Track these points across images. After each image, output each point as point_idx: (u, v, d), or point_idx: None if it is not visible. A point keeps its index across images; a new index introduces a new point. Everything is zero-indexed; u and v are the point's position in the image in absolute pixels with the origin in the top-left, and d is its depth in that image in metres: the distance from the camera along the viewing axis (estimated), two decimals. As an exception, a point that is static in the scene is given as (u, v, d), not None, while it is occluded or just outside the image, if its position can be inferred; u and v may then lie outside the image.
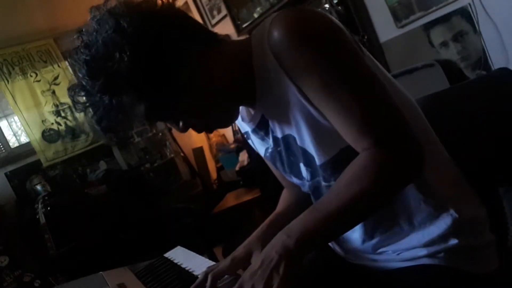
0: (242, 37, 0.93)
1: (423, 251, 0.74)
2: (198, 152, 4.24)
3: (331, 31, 0.67)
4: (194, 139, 4.42)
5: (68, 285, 1.18)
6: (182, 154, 3.99)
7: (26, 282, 2.81)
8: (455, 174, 0.79)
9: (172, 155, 4.08)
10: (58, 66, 3.81)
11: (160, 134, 4.12)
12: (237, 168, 3.37)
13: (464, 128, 0.82)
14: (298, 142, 0.75)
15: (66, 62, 3.89)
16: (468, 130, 0.85)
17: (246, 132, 0.91)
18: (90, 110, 0.71)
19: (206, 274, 0.76)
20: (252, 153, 2.71)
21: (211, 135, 4.55)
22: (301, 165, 0.80)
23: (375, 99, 0.66)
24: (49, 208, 2.93)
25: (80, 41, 0.70)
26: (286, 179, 0.94)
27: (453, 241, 0.73)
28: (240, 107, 0.83)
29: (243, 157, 3.30)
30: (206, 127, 0.79)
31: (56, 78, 3.80)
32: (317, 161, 0.74)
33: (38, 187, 3.45)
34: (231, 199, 3.14)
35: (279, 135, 0.79)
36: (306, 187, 0.84)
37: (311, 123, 0.71)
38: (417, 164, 0.66)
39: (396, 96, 0.70)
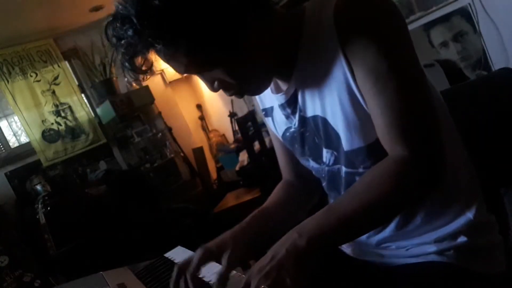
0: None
1: (432, 248, 0.75)
2: (198, 152, 4.24)
3: (401, 21, 0.67)
4: (194, 139, 4.42)
5: (68, 285, 1.18)
6: (182, 154, 4.00)
7: (26, 282, 2.81)
8: (474, 175, 0.79)
9: (172, 155, 4.07)
10: (58, 66, 3.81)
11: (160, 134, 4.12)
12: (237, 168, 3.37)
13: (466, 128, 0.82)
14: (331, 123, 0.73)
15: (66, 62, 3.90)
16: (469, 130, 0.85)
17: (267, 109, 0.89)
18: (124, 46, 0.65)
19: (180, 270, 0.75)
20: (252, 152, 2.71)
21: (211, 135, 4.55)
22: (324, 150, 0.78)
23: (418, 103, 0.64)
24: (49, 208, 2.93)
25: None
26: (291, 167, 0.93)
27: (463, 239, 0.73)
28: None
29: (243, 157, 3.30)
30: (239, 90, 0.74)
31: (56, 78, 3.80)
32: (346, 146, 0.72)
33: (38, 187, 3.45)
34: (231, 199, 3.14)
35: (308, 114, 0.77)
36: (323, 172, 0.83)
37: (354, 106, 0.68)
38: (439, 175, 0.65)
39: (431, 94, 0.69)
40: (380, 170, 0.64)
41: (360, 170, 0.74)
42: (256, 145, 2.85)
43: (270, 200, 0.93)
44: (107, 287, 0.84)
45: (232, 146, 3.85)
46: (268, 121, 0.92)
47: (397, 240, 0.78)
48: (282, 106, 0.82)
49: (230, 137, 4.34)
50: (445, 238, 0.74)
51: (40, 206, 2.96)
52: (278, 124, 0.88)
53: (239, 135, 3.54)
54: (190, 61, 0.66)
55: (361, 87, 0.66)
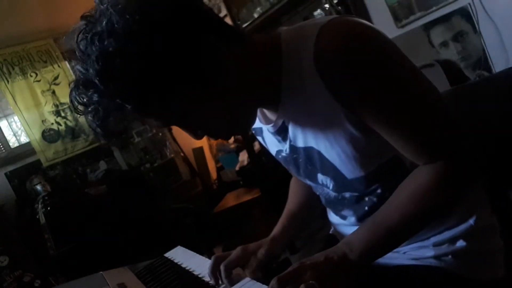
0: (265, 35, 0.74)
1: (431, 252, 0.74)
2: (198, 152, 4.24)
3: (388, 47, 0.62)
4: (194, 139, 4.41)
5: (68, 285, 1.18)
6: (182, 154, 3.99)
7: (26, 282, 2.81)
8: (481, 184, 0.79)
9: (172, 155, 4.07)
10: (58, 66, 3.81)
11: (160, 134, 4.12)
12: (237, 168, 3.37)
13: (469, 129, 0.81)
14: (326, 156, 0.72)
15: (66, 62, 3.90)
16: (473, 132, 0.84)
17: (256, 129, 0.86)
18: (93, 112, 0.60)
19: (216, 260, 0.79)
20: (252, 152, 2.71)
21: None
22: (319, 174, 0.78)
23: (436, 114, 0.64)
24: (49, 208, 2.93)
25: (89, 29, 0.58)
26: None
27: (461, 244, 0.73)
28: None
29: (243, 157, 3.30)
30: (225, 133, 0.72)
31: (56, 78, 3.80)
32: (349, 175, 0.72)
33: (38, 187, 3.45)
34: (231, 199, 3.14)
35: (299, 145, 0.74)
36: (320, 190, 0.84)
37: (352, 141, 0.67)
38: (473, 174, 0.67)
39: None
40: (419, 182, 0.65)
41: (367, 191, 0.75)
42: (256, 145, 2.85)
43: (293, 201, 0.98)
44: (107, 287, 0.84)
45: (232, 146, 3.84)
46: (260, 139, 0.89)
47: None
48: (272, 134, 0.79)
49: (230, 137, 4.33)
50: (444, 243, 0.74)
51: (40, 206, 2.95)
52: (270, 145, 0.86)
53: (239, 135, 3.54)
54: (167, 116, 0.63)
55: (372, 125, 0.64)
